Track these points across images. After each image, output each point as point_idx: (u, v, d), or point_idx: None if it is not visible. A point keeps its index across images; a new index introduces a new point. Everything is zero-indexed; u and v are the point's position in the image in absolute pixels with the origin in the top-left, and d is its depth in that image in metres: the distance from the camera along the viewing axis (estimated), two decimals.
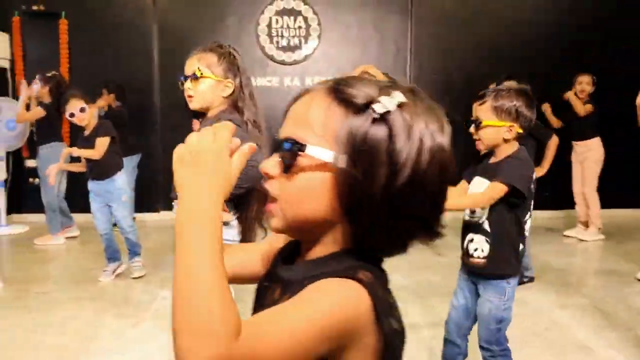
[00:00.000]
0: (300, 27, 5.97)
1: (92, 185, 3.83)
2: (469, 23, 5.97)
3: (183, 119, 3.46)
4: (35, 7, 5.74)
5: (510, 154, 1.93)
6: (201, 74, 1.91)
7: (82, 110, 3.76)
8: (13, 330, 3.00)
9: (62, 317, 3.14)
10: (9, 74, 5.78)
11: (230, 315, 0.55)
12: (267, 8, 5.93)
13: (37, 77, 4.91)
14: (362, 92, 0.66)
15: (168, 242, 4.69)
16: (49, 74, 4.96)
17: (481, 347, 2.00)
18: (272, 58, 5.99)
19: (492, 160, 1.98)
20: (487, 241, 1.93)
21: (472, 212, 1.96)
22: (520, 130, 1.90)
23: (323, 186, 0.66)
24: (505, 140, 1.92)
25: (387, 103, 0.65)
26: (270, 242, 0.84)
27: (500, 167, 1.91)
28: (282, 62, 6.00)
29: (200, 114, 2.03)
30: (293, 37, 5.98)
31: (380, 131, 0.65)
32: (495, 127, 1.90)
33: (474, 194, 1.95)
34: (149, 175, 5.70)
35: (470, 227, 1.97)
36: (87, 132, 3.82)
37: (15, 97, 5.69)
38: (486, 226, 1.94)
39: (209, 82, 1.92)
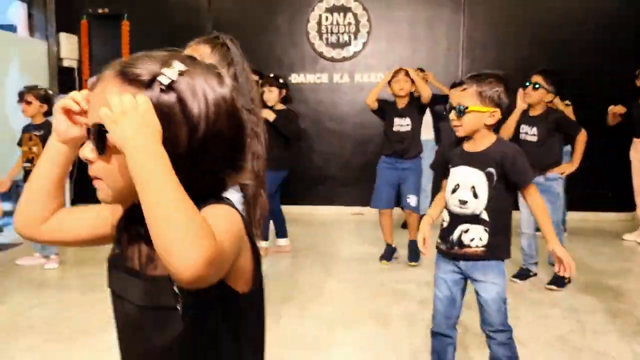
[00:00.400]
0: (349, 24, 5.96)
1: None
2: (523, 17, 5.72)
3: None
4: (100, 11, 6.12)
5: (495, 143, 1.93)
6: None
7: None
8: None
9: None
10: (76, 73, 6.19)
11: (203, 219, 0.68)
12: (317, 5, 5.97)
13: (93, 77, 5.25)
14: (145, 70, 0.75)
15: None
16: None
17: (493, 332, 1.95)
18: (321, 55, 6.03)
19: (472, 148, 1.93)
20: (485, 230, 1.89)
21: (464, 203, 1.90)
22: (501, 116, 1.87)
23: None
24: (487, 126, 1.88)
25: (169, 73, 0.75)
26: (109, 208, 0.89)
27: (511, 165, 1.89)
28: (332, 59, 6.03)
29: None
30: (342, 33, 5.99)
31: (170, 98, 0.75)
32: (479, 113, 1.86)
33: (541, 207, 1.93)
34: None
35: (462, 217, 1.92)
36: None
37: None
38: (484, 216, 1.90)
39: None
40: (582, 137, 3.44)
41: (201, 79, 0.77)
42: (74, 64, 6.18)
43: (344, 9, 5.95)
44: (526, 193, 1.94)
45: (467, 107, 1.87)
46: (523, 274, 3.68)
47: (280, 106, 4.12)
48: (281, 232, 4.29)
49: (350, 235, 5.09)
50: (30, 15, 5.95)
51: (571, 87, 4.46)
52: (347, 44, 5.99)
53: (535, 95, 3.45)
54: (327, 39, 6.01)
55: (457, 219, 1.93)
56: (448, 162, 1.99)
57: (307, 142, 5.96)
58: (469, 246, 1.91)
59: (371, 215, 5.11)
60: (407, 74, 3.93)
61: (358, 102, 5.66)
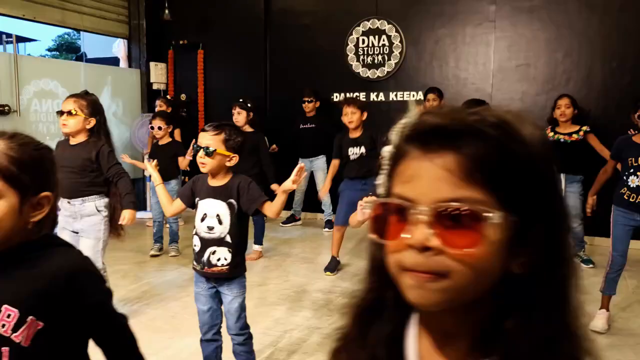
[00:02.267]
0: (383, 45, 6.26)
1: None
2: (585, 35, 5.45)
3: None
4: (181, 42, 7.30)
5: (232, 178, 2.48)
6: (75, 112, 2.95)
7: (159, 128, 4.94)
8: None
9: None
10: (162, 94, 7.46)
11: None
12: (354, 29, 6.38)
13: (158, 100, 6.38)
14: None
15: None
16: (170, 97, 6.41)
17: (234, 335, 2.44)
18: (358, 75, 6.42)
19: (215, 183, 2.45)
20: (229, 251, 2.33)
21: (211, 228, 2.36)
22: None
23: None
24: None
25: None
26: None
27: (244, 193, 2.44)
28: (367, 79, 6.38)
29: None
30: (377, 54, 6.31)
31: None
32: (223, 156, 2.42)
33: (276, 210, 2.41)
34: None
35: (210, 241, 2.37)
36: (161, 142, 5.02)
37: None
38: (228, 239, 2.34)
39: (79, 118, 2.96)
40: None
41: None
42: (162, 87, 7.45)
43: (379, 32, 6.27)
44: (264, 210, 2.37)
45: (215, 150, 2.32)
46: None
47: (248, 128, 4.73)
48: (259, 240, 4.89)
49: None
50: (129, 49, 7.37)
51: None
52: (381, 64, 6.29)
53: None
54: (363, 60, 6.38)
55: (206, 243, 2.39)
56: (196, 194, 2.45)
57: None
58: (216, 265, 2.37)
59: None
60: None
61: (393, 119, 5.95)
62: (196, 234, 2.41)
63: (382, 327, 0.65)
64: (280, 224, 6.33)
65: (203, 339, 2.50)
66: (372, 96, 6.40)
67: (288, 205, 6.43)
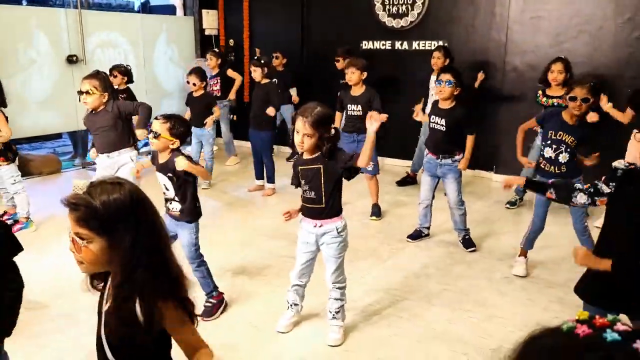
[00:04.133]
0: None
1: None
2: None
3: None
4: None
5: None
6: (92, 92, 3.84)
7: (194, 84, 5.77)
8: None
9: None
10: (213, 40, 8.21)
11: None
12: None
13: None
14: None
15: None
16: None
17: (190, 263, 3.21)
18: (383, 24, 6.77)
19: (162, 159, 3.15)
20: (176, 200, 3.12)
21: (164, 193, 3.15)
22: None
23: None
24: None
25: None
26: None
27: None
28: (392, 28, 6.73)
29: None
30: (401, 4, 6.60)
31: None
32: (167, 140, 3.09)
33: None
34: None
35: (167, 199, 3.17)
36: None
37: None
38: (176, 198, 3.12)
39: (95, 95, 3.83)
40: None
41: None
42: (214, 32, 8.20)
43: None
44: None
45: (159, 134, 3.04)
46: (416, 235, 4.42)
47: (265, 80, 5.45)
48: (271, 179, 5.68)
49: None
50: None
51: None
52: (405, 14, 6.60)
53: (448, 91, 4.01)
54: (388, 9, 6.71)
55: (166, 201, 3.16)
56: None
57: None
58: (175, 210, 3.16)
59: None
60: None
61: (415, 67, 6.35)
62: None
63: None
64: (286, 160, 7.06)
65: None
66: (397, 45, 6.76)
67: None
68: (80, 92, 3.90)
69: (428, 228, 4.45)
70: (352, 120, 4.86)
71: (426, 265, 3.97)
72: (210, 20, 8.10)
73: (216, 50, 7.49)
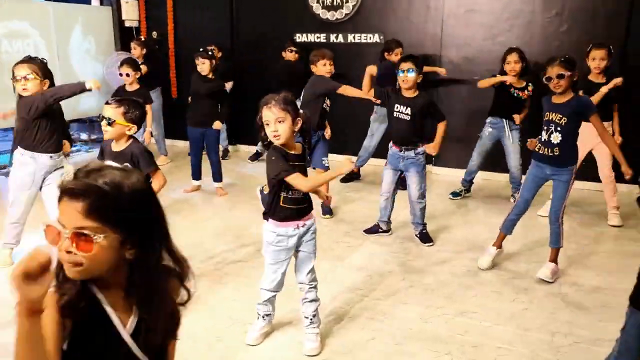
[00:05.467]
0: None
1: None
2: None
3: None
4: None
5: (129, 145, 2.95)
6: (33, 77, 3.35)
7: (127, 75, 5.30)
8: None
9: None
10: (134, 32, 7.68)
11: None
12: None
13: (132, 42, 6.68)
14: None
15: None
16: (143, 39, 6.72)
17: None
18: (318, 17, 6.62)
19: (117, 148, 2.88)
20: None
21: None
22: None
23: None
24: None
25: None
26: None
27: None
28: (327, 20, 6.59)
29: None
30: None
31: None
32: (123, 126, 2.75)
33: None
34: None
35: None
36: None
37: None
38: None
39: (35, 82, 3.36)
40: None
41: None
42: (134, 24, 7.67)
43: None
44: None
45: (114, 120, 2.74)
46: (373, 229, 4.35)
47: (211, 75, 5.16)
48: (219, 178, 5.39)
49: None
50: None
51: None
52: (339, 6, 6.48)
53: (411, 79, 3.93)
54: (322, 1, 6.56)
55: None
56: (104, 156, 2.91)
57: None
58: None
59: None
60: None
61: (352, 61, 6.23)
62: None
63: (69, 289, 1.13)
64: (248, 160, 6.82)
65: None
66: (332, 38, 6.64)
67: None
68: (15, 79, 3.39)
69: (387, 223, 4.34)
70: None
71: (387, 261, 3.87)
72: (130, 10, 7.56)
73: (141, 38, 7.01)
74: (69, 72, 6.81)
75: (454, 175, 5.92)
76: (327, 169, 4.57)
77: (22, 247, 3.73)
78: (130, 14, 7.56)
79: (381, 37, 6.36)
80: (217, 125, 5.23)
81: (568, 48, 5.34)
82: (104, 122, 2.76)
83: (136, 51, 6.58)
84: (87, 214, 1.07)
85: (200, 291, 3.38)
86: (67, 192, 1.08)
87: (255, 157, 6.85)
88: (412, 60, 3.96)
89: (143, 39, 6.94)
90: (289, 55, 6.31)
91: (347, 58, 6.40)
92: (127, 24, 7.59)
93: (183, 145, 7.34)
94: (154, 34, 7.59)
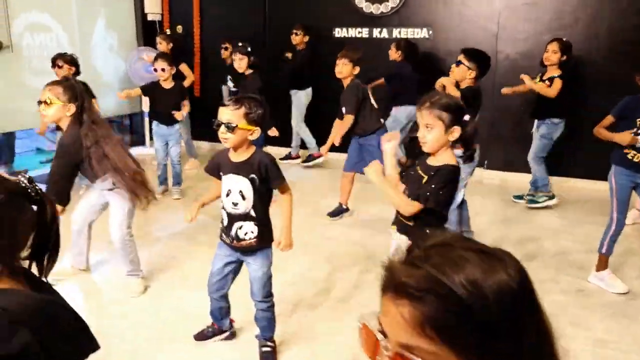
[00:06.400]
0: None
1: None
2: None
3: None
4: None
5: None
6: (50, 101, 2.85)
7: (163, 69, 4.83)
8: None
9: None
10: (157, 26, 7.20)
11: None
12: None
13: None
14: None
15: None
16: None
17: (257, 302, 2.52)
18: (361, 10, 6.21)
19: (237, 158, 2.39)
20: (255, 225, 2.37)
21: (235, 204, 2.36)
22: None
23: None
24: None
25: None
26: None
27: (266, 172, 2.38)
28: (371, 14, 6.18)
29: None
30: None
31: None
32: (246, 130, 2.34)
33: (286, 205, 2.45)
34: None
35: (236, 217, 2.39)
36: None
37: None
38: (252, 213, 2.36)
39: (56, 106, 2.86)
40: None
41: None
42: (157, 17, 7.19)
43: None
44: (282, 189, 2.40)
45: (236, 125, 2.27)
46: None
47: (248, 71, 4.76)
48: None
49: None
50: None
51: None
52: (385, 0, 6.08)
53: (458, 72, 3.57)
54: None
55: (232, 218, 2.40)
56: (220, 168, 2.44)
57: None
58: (244, 239, 2.40)
59: None
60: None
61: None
62: (223, 208, 2.43)
63: None
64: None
65: (210, 295, 2.59)
66: (375, 32, 6.23)
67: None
68: (38, 102, 2.93)
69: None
70: None
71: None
72: (153, 3, 7.09)
73: (167, 32, 6.53)
74: (91, 68, 6.32)
75: (510, 180, 5.56)
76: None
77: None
78: (153, 6, 7.09)
79: (430, 32, 5.97)
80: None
81: None
82: (222, 129, 2.29)
83: (162, 46, 6.12)
84: (422, 327, 0.66)
85: (308, 318, 2.97)
86: (396, 286, 0.68)
87: (287, 158, 6.44)
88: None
89: (169, 33, 6.47)
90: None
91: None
92: (149, 18, 7.11)
93: (209, 146, 6.90)
94: (179, 28, 7.12)
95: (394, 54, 5.66)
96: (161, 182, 5.10)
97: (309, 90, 6.24)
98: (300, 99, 6.23)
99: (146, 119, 6.94)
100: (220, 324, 2.65)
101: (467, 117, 2.15)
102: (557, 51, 4.59)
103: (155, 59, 4.86)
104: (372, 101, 4.32)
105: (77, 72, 4.77)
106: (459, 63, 3.67)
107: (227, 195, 2.36)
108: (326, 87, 5.93)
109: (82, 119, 2.90)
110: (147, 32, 7.12)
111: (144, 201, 3.02)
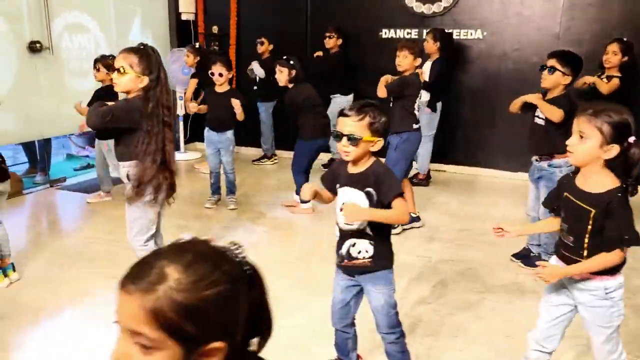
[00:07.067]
0: None
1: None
2: None
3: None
4: None
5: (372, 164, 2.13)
6: (124, 70, 2.58)
7: (220, 74, 4.53)
8: None
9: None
10: (191, 27, 6.92)
11: None
12: None
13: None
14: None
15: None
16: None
17: (384, 334, 2.24)
18: (411, 10, 5.95)
19: (354, 169, 2.13)
20: (370, 243, 2.10)
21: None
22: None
23: None
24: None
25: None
26: None
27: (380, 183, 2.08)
28: (422, 14, 5.92)
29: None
30: None
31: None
32: (368, 142, 2.10)
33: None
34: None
35: (349, 232, 2.12)
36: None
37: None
38: (368, 230, 2.09)
39: (129, 76, 2.59)
40: None
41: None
42: (191, 17, 6.90)
43: None
44: (394, 205, 2.03)
45: (361, 138, 2.01)
46: (524, 255, 3.69)
47: (290, 85, 4.50)
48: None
49: None
50: None
51: None
52: None
53: (551, 79, 3.30)
54: None
55: (345, 235, 2.14)
56: (336, 179, 2.18)
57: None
58: (357, 258, 2.13)
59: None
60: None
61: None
62: (336, 223, 2.18)
63: None
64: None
65: (334, 327, 2.33)
66: (425, 33, 5.96)
67: None
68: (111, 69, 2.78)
69: (539, 245, 3.70)
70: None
71: None
72: (187, 2, 6.80)
73: (196, 45, 6.26)
74: None
75: None
76: None
77: None
78: (187, 5, 6.80)
79: (484, 33, 5.72)
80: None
81: None
82: (344, 142, 2.02)
83: (189, 59, 5.86)
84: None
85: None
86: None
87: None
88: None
89: (198, 47, 6.21)
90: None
91: None
92: (183, 17, 6.82)
93: (247, 152, 6.65)
94: (215, 29, 6.83)
95: (432, 47, 5.31)
96: (214, 192, 4.82)
97: (351, 97, 5.97)
98: (342, 104, 5.92)
99: (181, 123, 6.67)
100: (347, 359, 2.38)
101: (632, 139, 1.87)
102: (618, 52, 4.41)
103: (214, 62, 4.57)
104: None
105: None
106: (552, 70, 3.35)
107: (341, 209, 2.11)
108: (372, 90, 5.67)
109: (156, 93, 2.62)
110: (180, 32, 6.83)
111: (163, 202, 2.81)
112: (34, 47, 4.94)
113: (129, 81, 2.61)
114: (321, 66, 5.96)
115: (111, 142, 4.59)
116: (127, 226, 2.81)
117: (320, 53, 6.08)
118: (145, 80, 2.61)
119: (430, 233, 4.22)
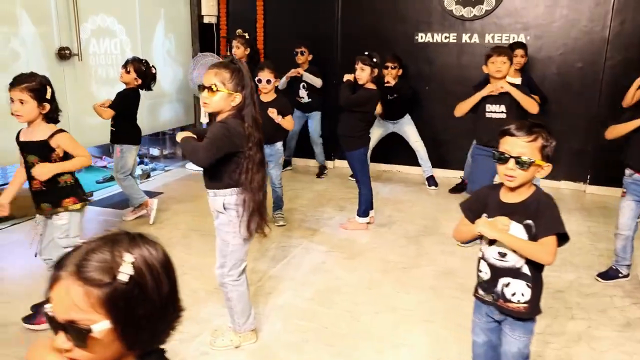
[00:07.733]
0: None
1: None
2: None
3: None
4: None
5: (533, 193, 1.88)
6: (216, 88, 2.30)
7: (268, 81, 4.22)
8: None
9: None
10: (214, 30, 6.61)
11: None
12: None
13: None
14: (101, 271, 0.83)
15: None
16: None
17: None
18: (451, 13, 5.73)
19: (511, 199, 1.88)
20: (528, 285, 1.86)
21: (503, 255, 1.87)
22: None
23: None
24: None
25: (126, 270, 0.84)
26: None
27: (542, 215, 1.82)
28: (462, 17, 5.71)
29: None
30: None
31: (130, 287, 0.85)
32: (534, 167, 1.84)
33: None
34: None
35: (502, 270, 1.88)
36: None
37: (218, 50, 6.59)
38: (525, 270, 1.85)
39: (221, 94, 2.31)
40: None
41: (146, 256, 0.88)
42: (213, 20, 6.59)
43: None
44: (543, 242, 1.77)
45: (533, 161, 1.78)
46: (612, 275, 3.50)
47: (371, 85, 4.16)
48: (364, 211, 4.39)
49: None
50: None
51: None
52: (478, 1, 5.61)
53: None
54: None
55: (497, 272, 1.89)
56: (484, 209, 1.92)
57: (430, 104, 5.89)
58: (511, 301, 1.88)
59: None
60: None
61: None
62: (483, 258, 1.93)
63: None
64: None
65: None
66: (465, 38, 5.76)
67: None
68: (202, 87, 2.37)
69: (628, 267, 3.52)
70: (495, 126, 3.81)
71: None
72: (209, 4, 6.48)
73: (245, 35, 5.92)
74: None
75: None
76: None
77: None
78: (210, 8, 6.49)
79: (528, 38, 5.52)
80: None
81: None
82: (511, 164, 1.78)
83: (239, 51, 5.53)
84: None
85: None
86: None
87: None
88: None
89: (247, 36, 5.87)
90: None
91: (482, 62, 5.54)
92: (205, 20, 6.51)
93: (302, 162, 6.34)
94: (241, 32, 6.52)
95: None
96: (277, 207, 4.55)
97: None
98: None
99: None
100: None
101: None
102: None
103: (261, 68, 4.27)
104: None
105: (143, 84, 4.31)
106: None
107: (491, 243, 1.87)
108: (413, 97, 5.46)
109: (250, 112, 2.34)
110: (202, 35, 6.52)
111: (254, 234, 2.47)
112: (64, 54, 4.59)
113: (221, 100, 2.32)
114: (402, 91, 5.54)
115: (125, 146, 4.34)
116: (218, 260, 2.52)
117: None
118: (238, 98, 2.34)
119: None
